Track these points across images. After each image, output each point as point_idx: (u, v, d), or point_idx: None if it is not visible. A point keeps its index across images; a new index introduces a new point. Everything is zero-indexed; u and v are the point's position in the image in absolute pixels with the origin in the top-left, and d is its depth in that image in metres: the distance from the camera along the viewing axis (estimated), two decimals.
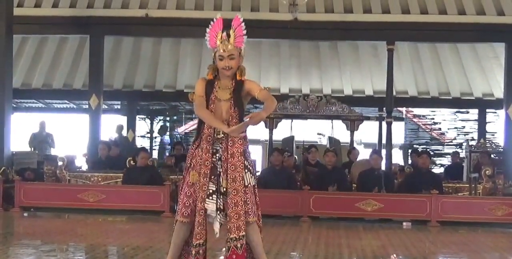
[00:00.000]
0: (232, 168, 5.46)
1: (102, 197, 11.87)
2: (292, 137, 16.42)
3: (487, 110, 20.34)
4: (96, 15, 15.40)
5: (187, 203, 5.50)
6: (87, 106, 15.88)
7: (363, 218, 11.63)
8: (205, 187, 5.42)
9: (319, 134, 17.08)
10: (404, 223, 11.22)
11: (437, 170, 19.47)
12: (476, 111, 20.70)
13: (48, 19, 15.41)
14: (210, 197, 5.44)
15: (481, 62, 18.75)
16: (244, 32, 5.49)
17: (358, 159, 13.71)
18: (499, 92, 18.40)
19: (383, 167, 13.14)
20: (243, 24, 5.50)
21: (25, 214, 11.72)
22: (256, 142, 20.13)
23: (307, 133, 18.15)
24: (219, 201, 5.46)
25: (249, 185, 5.55)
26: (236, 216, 5.40)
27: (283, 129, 16.09)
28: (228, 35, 5.46)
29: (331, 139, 16.79)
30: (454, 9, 15.13)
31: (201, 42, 18.33)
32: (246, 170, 5.54)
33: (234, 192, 5.42)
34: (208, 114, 5.54)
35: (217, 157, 5.51)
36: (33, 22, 15.28)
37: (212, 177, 5.48)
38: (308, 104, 14.42)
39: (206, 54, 17.48)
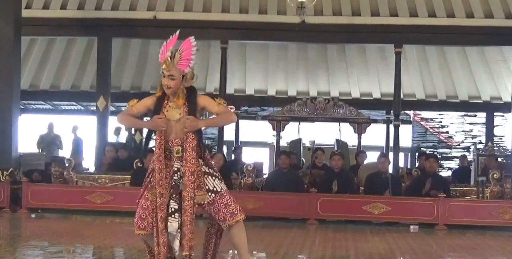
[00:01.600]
0: (184, 187, 5.48)
1: (109, 199, 11.89)
2: (299, 140, 16.41)
3: (495, 114, 20.34)
4: (104, 17, 15.45)
5: (143, 215, 5.52)
6: (94, 108, 15.92)
7: (370, 221, 11.60)
8: (163, 207, 5.43)
9: (274, 135, 16.87)
10: (411, 226, 11.20)
11: (445, 173, 19.42)
12: (484, 114, 20.68)
13: (56, 21, 15.48)
14: (173, 215, 5.46)
15: (489, 66, 18.71)
16: (193, 57, 5.44)
17: (365, 162, 13.68)
18: (507, 96, 18.37)
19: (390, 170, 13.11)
20: (194, 48, 5.45)
21: (33, 216, 11.74)
22: (263, 144, 20.15)
23: (315, 136, 18.13)
24: (180, 219, 5.50)
25: (222, 190, 5.58)
26: (190, 235, 5.43)
27: (291, 132, 16.09)
28: (173, 56, 5.43)
29: (338, 142, 16.76)
30: (462, 12, 15.12)
31: (208, 44, 18.35)
32: (214, 178, 5.59)
33: (183, 210, 5.45)
34: (131, 119, 5.69)
35: (178, 176, 5.52)
36: (41, 23, 15.32)
37: (174, 195, 5.49)
38: (316, 106, 14.41)
39: (213, 56, 17.55)
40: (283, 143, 15.63)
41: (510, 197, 12.11)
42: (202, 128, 5.67)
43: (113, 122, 15.28)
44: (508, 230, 11.12)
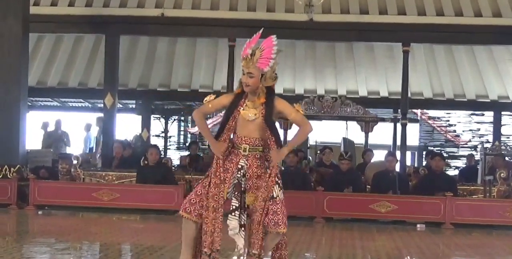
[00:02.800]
0: (255, 186, 5.47)
1: (116, 196, 11.90)
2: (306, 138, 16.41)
3: (503, 113, 20.26)
4: (112, 14, 15.44)
5: (193, 200, 5.48)
6: (102, 105, 15.93)
7: (377, 220, 11.60)
8: (216, 197, 5.40)
9: None
10: (418, 225, 11.20)
11: (452, 172, 19.39)
12: (491, 113, 20.59)
13: (64, 17, 15.47)
14: (233, 213, 5.41)
15: (497, 65, 18.67)
16: (273, 56, 5.38)
17: (372, 161, 13.68)
18: None
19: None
20: (275, 48, 5.42)
21: (40, 212, 11.76)
22: None
23: (322, 134, 18.14)
24: (242, 217, 5.44)
25: (277, 197, 5.48)
26: (261, 234, 5.38)
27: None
28: (253, 54, 5.38)
29: (345, 140, 16.76)
30: (470, 11, 15.07)
31: (217, 42, 18.36)
32: (276, 184, 5.51)
33: (254, 209, 5.44)
34: (203, 122, 5.68)
35: (241, 174, 5.48)
36: (49, 20, 15.32)
37: (236, 193, 5.44)
38: (323, 105, 14.41)
39: (222, 54, 17.55)
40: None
41: None
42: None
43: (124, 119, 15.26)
44: None
